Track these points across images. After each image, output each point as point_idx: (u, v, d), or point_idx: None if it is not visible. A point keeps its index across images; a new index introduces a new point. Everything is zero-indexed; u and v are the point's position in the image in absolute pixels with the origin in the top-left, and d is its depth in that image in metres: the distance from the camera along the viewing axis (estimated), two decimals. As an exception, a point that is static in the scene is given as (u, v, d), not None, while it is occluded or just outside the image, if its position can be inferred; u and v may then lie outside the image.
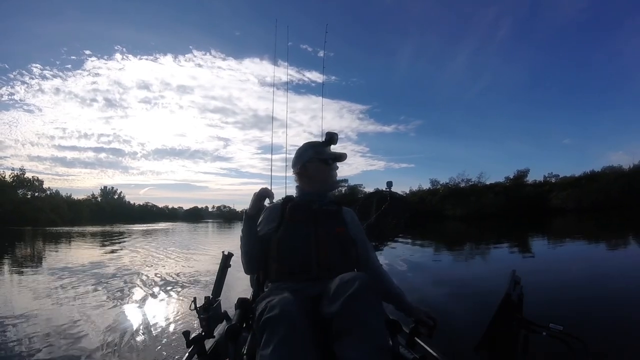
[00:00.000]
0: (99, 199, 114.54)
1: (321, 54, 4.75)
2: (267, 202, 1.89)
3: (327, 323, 1.47)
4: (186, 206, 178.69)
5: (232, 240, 19.79)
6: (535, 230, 21.24)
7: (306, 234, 1.82)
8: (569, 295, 5.50)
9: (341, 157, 2.09)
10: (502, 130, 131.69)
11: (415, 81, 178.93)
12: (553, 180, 53.07)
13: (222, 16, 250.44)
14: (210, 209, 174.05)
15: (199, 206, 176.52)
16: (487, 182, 53.59)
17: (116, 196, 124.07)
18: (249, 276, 1.98)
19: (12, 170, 69.31)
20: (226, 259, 2.07)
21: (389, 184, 2.89)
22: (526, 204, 43.42)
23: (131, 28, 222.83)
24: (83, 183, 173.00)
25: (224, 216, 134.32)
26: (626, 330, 3.97)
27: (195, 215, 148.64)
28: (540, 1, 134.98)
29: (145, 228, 41.78)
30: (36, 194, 68.90)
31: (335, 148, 2.10)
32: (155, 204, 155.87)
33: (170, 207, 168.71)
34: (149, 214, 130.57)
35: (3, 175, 63.48)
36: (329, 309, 1.46)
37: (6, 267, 10.79)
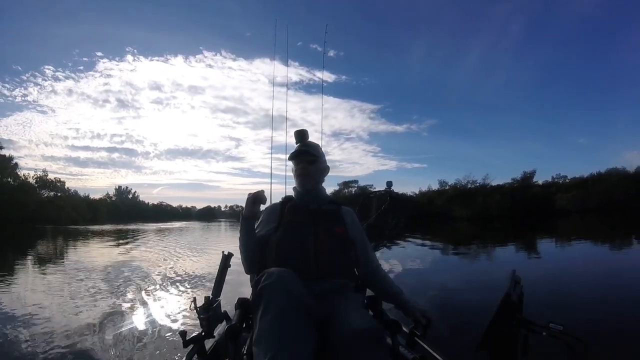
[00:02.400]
0: (113, 198, 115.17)
1: (331, 53, 4.74)
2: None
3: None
4: (199, 205, 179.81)
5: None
6: (538, 231, 21.04)
7: (305, 234, 1.79)
8: (569, 295, 5.41)
9: (299, 154, 2.01)
10: (516, 129, 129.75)
11: (427, 80, 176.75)
12: (562, 180, 52.41)
13: (232, 17, 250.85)
14: (223, 209, 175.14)
15: (212, 205, 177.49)
16: (493, 184, 53.19)
17: (130, 196, 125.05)
18: (249, 276, 1.96)
19: (35, 171, 70.93)
20: (226, 259, 2.04)
21: (389, 183, 2.84)
22: (531, 205, 42.98)
23: (141, 29, 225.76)
24: (97, 182, 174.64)
25: (237, 215, 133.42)
26: (626, 330, 3.89)
27: (208, 215, 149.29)
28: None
29: (161, 227, 42.41)
30: (59, 194, 69.95)
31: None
32: (169, 204, 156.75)
33: (183, 206, 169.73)
34: (163, 213, 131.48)
35: (26, 177, 64.72)
36: (337, 357, 1.39)
37: (25, 264, 10.94)
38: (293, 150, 2.05)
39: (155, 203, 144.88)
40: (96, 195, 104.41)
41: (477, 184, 53.69)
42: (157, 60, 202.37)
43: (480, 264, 9.79)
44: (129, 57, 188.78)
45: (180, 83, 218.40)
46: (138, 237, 23.19)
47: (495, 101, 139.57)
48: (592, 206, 39.02)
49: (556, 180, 53.16)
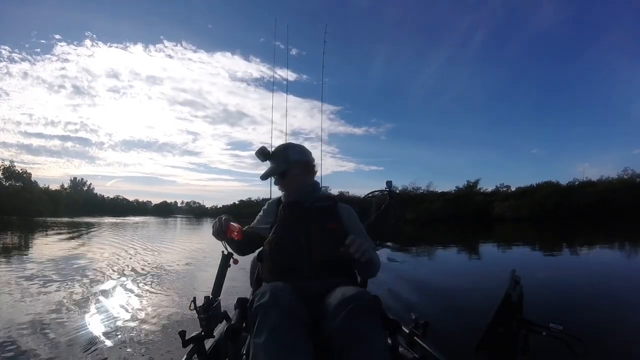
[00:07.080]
0: (68, 190, 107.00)
1: (294, 52, 4.51)
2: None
3: (327, 338, 1.37)
4: (154, 200, 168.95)
5: (205, 235, 20.05)
6: (469, 234, 21.72)
7: (298, 231, 1.73)
8: (569, 295, 5.38)
9: (268, 176, 1.94)
10: (472, 137, 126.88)
11: (387, 85, 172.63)
12: (505, 189, 54.36)
13: (194, 8, 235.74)
14: (179, 204, 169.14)
15: (168, 201, 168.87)
16: (438, 190, 54.90)
17: (85, 188, 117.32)
18: (248, 276, 1.87)
19: (2, 160, 67.22)
20: (226, 259, 1.92)
21: (389, 183, 2.76)
22: (472, 212, 44.72)
23: (102, 14, 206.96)
24: (49, 172, 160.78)
25: (194, 212, 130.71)
26: (626, 330, 3.87)
27: (165, 210, 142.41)
28: (514, 15, 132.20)
29: (120, 221, 41.24)
30: (24, 185, 66.58)
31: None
32: (125, 197, 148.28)
33: (140, 200, 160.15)
34: (120, 207, 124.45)
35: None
36: (330, 325, 1.35)
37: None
38: (267, 171, 1.95)
39: (112, 197, 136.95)
40: (53, 186, 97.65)
41: (422, 191, 55.28)
42: (116, 47, 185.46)
43: (478, 264, 9.64)
44: (88, 42, 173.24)
45: (139, 72, 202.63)
46: (102, 230, 22.48)
47: (454, 109, 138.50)
48: (524, 215, 41.11)
49: (499, 189, 55.31)
